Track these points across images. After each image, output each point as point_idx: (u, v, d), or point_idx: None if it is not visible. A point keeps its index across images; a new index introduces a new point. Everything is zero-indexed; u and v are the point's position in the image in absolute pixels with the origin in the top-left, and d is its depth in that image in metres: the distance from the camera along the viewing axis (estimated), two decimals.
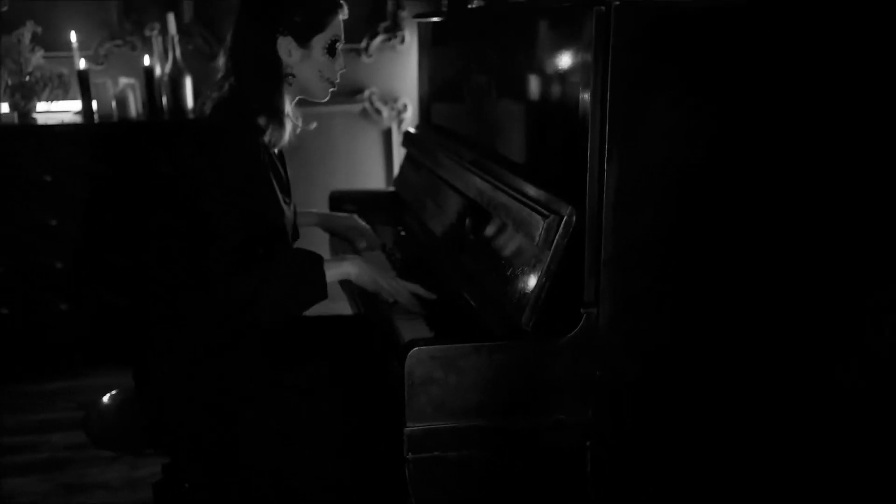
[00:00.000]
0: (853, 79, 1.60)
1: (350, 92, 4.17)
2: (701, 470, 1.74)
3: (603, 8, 1.49)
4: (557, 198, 1.63)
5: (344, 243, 2.51)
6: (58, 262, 3.62)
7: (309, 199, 2.93)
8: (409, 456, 1.59)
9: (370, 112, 4.23)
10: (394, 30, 4.15)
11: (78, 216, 3.62)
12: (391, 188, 3.05)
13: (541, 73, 1.80)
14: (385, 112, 4.23)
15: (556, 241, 1.59)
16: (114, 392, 2.18)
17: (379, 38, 4.15)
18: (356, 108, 4.23)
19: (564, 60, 1.66)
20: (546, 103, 1.79)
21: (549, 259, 1.59)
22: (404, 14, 4.11)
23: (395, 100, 4.23)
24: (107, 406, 2.11)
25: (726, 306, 1.66)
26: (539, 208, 1.66)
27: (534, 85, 1.85)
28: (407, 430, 1.58)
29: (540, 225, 1.62)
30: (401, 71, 4.14)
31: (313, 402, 1.87)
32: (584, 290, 1.59)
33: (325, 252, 2.22)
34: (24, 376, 3.64)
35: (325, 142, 4.14)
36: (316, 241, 2.53)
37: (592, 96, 1.52)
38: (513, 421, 1.62)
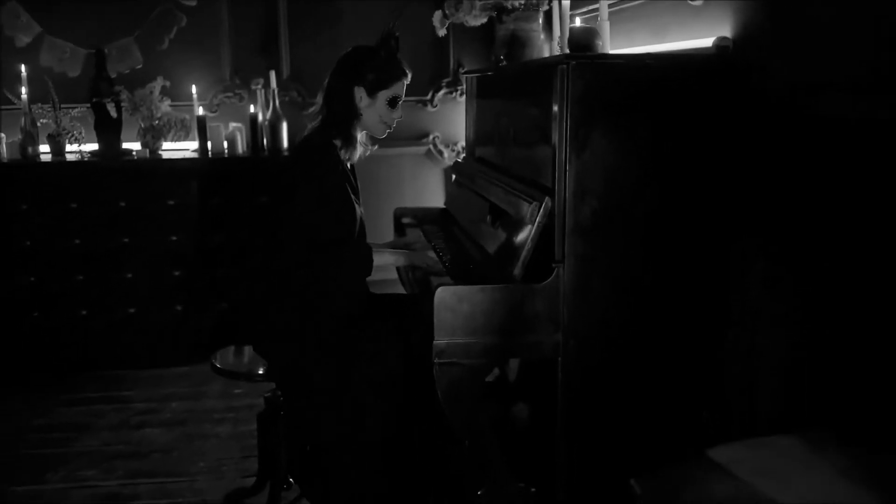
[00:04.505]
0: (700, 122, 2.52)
1: (417, 136, 5.12)
2: (634, 378, 2.58)
3: (565, 66, 2.41)
4: (541, 192, 2.54)
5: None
6: (176, 271, 4.60)
7: (381, 222, 3.89)
8: (436, 361, 2.47)
9: (434, 153, 5.17)
10: (454, 84, 5.09)
11: (194, 233, 4.60)
12: (443, 206, 3.99)
13: (534, 112, 2.73)
14: (446, 153, 5.15)
15: (537, 219, 2.49)
16: (234, 346, 3.18)
17: (442, 91, 5.09)
18: (422, 149, 5.17)
19: (545, 103, 2.58)
20: (536, 133, 2.72)
21: (532, 231, 2.50)
22: (464, 71, 5.01)
23: (455, 143, 5.14)
24: (230, 349, 3.12)
25: (641, 258, 2.53)
26: (528, 199, 2.57)
27: (530, 121, 2.78)
28: (435, 342, 2.46)
29: (527, 209, 2.53)
30: (460, 118, 4.79)
31: (380, 339, 2.79)
32: (555, 251, 2.48)
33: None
34: (148, 363, 4.65)
35: (395, 177, 5.10)
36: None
37: (559, 127, 2.43)
38: (505, 340, 2.49)
